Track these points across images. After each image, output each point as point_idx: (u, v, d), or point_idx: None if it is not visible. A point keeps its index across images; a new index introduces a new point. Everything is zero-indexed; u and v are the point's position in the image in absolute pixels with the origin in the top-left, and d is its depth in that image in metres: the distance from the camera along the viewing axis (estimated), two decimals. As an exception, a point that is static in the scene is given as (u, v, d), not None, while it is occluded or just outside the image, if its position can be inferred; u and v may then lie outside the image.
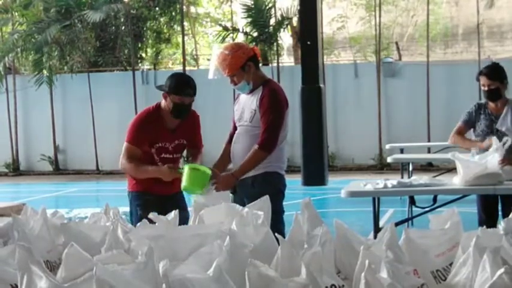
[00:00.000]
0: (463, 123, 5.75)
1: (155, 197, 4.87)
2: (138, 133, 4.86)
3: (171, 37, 21.07)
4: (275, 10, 18.79)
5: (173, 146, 5.03)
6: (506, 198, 5.39)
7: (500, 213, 5.59)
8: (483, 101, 5.88)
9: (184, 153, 5.26)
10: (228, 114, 21.03)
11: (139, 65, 20.63)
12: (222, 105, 18.30)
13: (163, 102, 4.89)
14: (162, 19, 20.81)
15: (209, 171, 4.59)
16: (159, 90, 4.98)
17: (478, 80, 5.81)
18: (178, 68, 20.76)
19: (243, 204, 3.08)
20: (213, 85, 18.53)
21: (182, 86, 4.89)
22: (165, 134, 4.95)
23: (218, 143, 20.66)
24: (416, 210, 6.76)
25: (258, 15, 18.44)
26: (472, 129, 5.74)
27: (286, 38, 20.22)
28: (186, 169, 4.58)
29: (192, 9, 23.18)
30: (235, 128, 5.04)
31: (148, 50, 21.38)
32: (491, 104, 5.68)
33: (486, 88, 5.64)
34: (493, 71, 5.71)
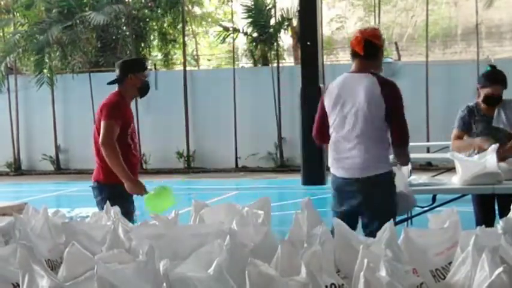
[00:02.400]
0: (460, 130, 5.71)
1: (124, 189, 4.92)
2: (118, 111, 4.94)
3: (177, 38, 21.14)
4: (275, 11, 18.82)
5: (135, 131, 5.16)
6: (502, 198, 5.39)
7: (496, 212, 5.60)
8: (471, 103, 5.86)
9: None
10: (228, 114, 20.98)
11: (144, 65, 20.64)
12: (222, 105, 18.32)
13: (119, 89, 5.04)
14: (165, 19, 20.86)
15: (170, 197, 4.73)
16: (117, 82, 5.08)
17: (484, 86, 5.73)
18: (178, 68, 20.78)
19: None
20: (213, 85, 18.60)
21: (145, 62, 5.26)
22: (132, 118, 5.11)
23: (218, 143, 20.67)
24: (415, 210, 6.77)
25: (258, 15, 18.47)
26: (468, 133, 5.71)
27: (286, 39, 20.23)
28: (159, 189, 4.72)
29: (197, 9, 23.20)
30: None
31: (152, 50, 21.43)
32: (483, 105, 5.67)
33: (495, 96, 5.60)
34: (505, 79, 5.69)
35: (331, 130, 4.60)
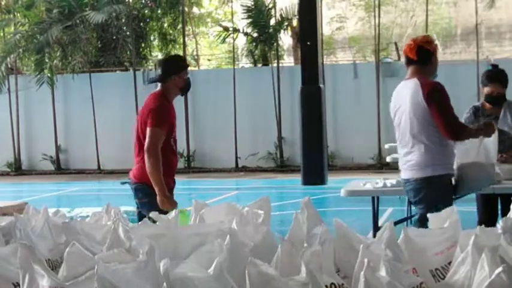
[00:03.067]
0: None
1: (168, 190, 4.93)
2: (166, 117, 4.91)
3: (177, 38, 21.17)
4: (275, 11, 18.84)
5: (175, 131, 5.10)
6: (505, 198, 5.39)
7: (499, 212, 5.60)
8: (477, 103, 5.86)
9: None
10: (228, 114, 20.98)
11: (145, 65, 20.69)
12: (222, 105, 18.33)
13: (162, 89, 5.01)
14: (166, 20, 20.88)
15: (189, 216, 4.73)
16: (159, 81, 5.07)
17: (485, 85, 5.75)
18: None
19: None
20: (213, 85, 18.61)
21: (185, 61, 5.25)
22: (175, 119, 5.06)
23: (218, 143, 20.69)
24: (415, 210, 6.77)
25: (258, 15, 18.48)
26: None
27: (286, 39, 20.24)
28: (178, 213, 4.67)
29: (196, 10, 23.22)
30: None
31: (152, 50, 21.46)
32: (487, 105, 5.67)
33: (495, 94, 5.60)
34: (505, 78, 5.70)
35: (396, 135, 4.84)
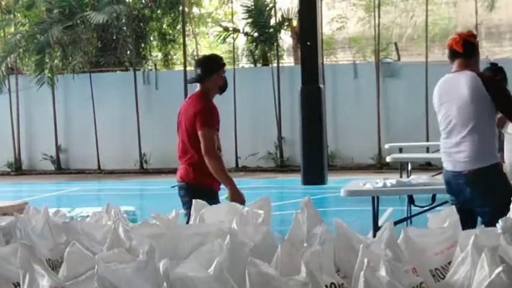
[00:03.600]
0: None
1: (214, 192, 4.99)
2: (214, 117, 4.97)
3: (177, 38, 21.18)
4: (275, 11, 18.84)
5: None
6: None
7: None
8: None
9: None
10: (228, 114, 20.98)
11: (145, 65, 20.72)
12: (222, 105, 18.34)
13: (203, 88, 5.04)
14: (165, 20, 20.89)
15: None
16: (199, 81, 5.07)
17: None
18: (179, 68, 20.81)
19: None
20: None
21: (222, 59, 5.22)
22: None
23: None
24: (415, 209, 6.78)
25: (258, 15, 18.49)
26: None
27: (286, 39, 20.25)
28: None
29: (196, 10, 23.23)
30: None
31: (152, 50, 21.47)
32: None
33: None
34: (502, 75, 5.72)
35: (441, 127, 4.80)
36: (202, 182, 4.99)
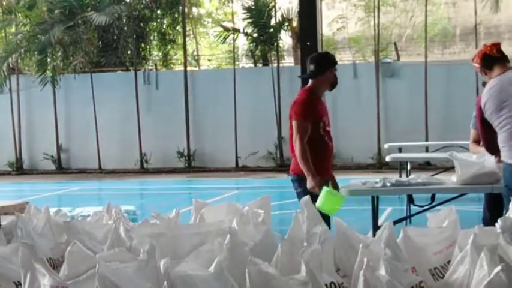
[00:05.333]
0: (474, 130, 5.77)
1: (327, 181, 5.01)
2: (307, 109, 5.07)
3: (176, 38, 21.18)
4: (275, 11, 18.83)
5: (328, 120, 5.27)
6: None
7: (504, 211, 5.60)
8: None
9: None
10: (228, 114, 20.87)
11: (146, 65, 20.72)
12: (223, 105, 18.33)
13: (314, 83, 5.19)
14: (165, 20, 20.89)
15: (343, 197, 4.75)
16: (311, 77, 5.21)
17: (483, 85, 5.79)
18: (179, 68, 20.81)
19: None
20: (214, 85, 18.63)
21: (334, 57, 5.32)
22: (324, 110, 5.23)
23: (218, 143, 20.61)
24: (414, 209, 6.78)
25: (258, 16, 18.48)
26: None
27: (286, 39, 20.24)
28: (324, 190, 4.70)
29: (194, 10, 23.22)
30: None
31: (153, 50, 21.47)
32: None
33: None
34: None
35: (504, 126, 4.77)
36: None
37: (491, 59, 4.84)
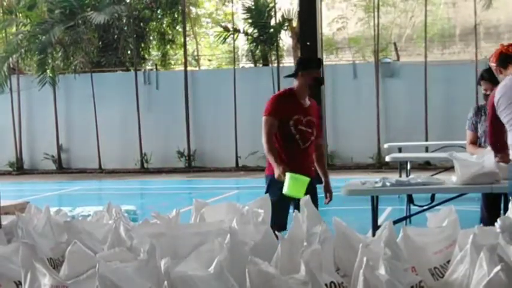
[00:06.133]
0: (470, 131, 5.79)
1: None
2: (274, 106, 5.24)
3: (175, 38, 21.17)
4: (275, 11, 18.83)
5: (306, 120, 5.29)
6: (507, 197, 5.40)
7: (502, 211, 5.61)
8: (481, 103, 5.90)
9: None
10: (228, 114, 20.86)
11: (143, 65, 20.72)
12: (223, 105, 18.34)
13: (295, 84, 5.30)
14: (165, 20, 20.89)
15: (307, 179, 4.81)
16: (291, 77, 5.38)
17: (479, 84, 5.82)
18: (180, 68, 20.81)
19: None
20: (214, 85, 18.64)
21: (316, 61, 5.51)
22: (299, 109, 5.26)
23: (219, 143, 20.64)
24: (414, 209, 6.79)
25: (258, 16, 18.48)
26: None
27: (286, 39, 20.24)
28: (287, 176, 4.81)
29: (194, 10, 23.22)
30: None
31: (152, 50, 21.46)
32: None
33: (489, 92, 5.64)
34: (496, 76, 5.73)
35: None
36: (268, 172, 5.24)
37: (507, 57, 4.86)
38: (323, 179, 5.45)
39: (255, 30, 18.69)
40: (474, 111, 5.81)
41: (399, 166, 10.09)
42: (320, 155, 5.51)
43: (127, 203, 9.52)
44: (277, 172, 4.98)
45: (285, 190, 4.73)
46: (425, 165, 15.36)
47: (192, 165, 18.50)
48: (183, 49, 19.68)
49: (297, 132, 5.21)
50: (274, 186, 5.02)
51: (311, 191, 4.73)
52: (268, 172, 5.24)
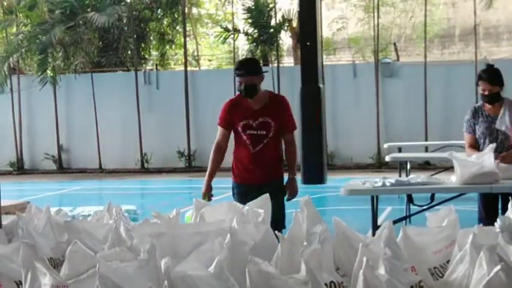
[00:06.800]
0: (468, 134, 5.76)
1: (251, 187, 5.25)
2: (221, 115, 5.44)
3: (174, 38, 21.16)
4: (275, 11, 18.82)
5: (257, 123, 5.30)
6: (505, 197, 5.40)
7: (500, 211, 5.61)
8: (478, 103, 5.89)
9: None
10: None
11: (143, 65, 20.71)
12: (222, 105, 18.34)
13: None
14: (165, 20, 20.88)
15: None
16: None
17: (477, 84, 5.80)
18: (180, 68, 20.82)
19: None
20: (214, 85, 18.63)
21: (240, 66, 5.43)
22: (248, 113, 5.28)
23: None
24: (414, 208, 6.80)
25: (258, 16, 18.48)
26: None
27: (286, 39, 20.24)
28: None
29: (194, 10, 23.21)
30: None
31: (152, 51, 21.45)
32: (487, 106, 5.69)
33: (487, 93, 5.63)
34: (494, 76, 5.72)
35: None
36: (237, 180, 5.63)
37: None
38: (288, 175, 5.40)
39: (255, 31, 18.68)
40: (471, 113, 5.78)
41: (399, 166, 10.09)
42: (288, 151, 5.46)
43: (127, 202, 9.52)
44: (203, 188, 5.27)
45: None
46: (425, 165, 15.36)
47: (192, 165, 18.50)
48: (183, 49, 19.67)
49: (246, 137, 5.30)
50: (233, 191, 5.38)
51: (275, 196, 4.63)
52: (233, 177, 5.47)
